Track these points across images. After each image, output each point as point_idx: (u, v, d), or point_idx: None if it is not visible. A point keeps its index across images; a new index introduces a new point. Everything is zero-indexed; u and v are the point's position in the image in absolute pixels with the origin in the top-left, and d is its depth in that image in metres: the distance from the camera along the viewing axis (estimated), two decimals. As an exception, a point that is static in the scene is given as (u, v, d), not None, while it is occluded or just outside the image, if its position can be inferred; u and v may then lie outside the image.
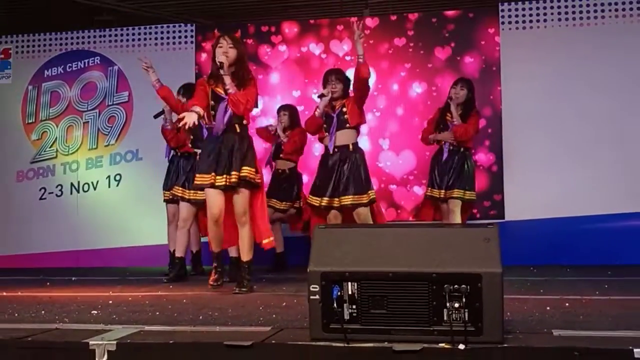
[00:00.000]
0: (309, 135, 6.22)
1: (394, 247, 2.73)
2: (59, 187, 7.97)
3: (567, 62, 7.03)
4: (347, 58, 7.45)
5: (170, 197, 6.10)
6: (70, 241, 7.80)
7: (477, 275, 2.59)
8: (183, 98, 5.88)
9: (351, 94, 5.49)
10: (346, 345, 2.62)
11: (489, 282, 2.58)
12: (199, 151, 5.84)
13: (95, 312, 3.82)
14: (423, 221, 6.11)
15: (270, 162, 6.76)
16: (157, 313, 3.74)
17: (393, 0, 7.76)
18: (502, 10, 7.26)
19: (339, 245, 2.78)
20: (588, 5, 7.11)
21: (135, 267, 7.22)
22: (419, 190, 7.27)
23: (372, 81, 7.30)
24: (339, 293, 2.67)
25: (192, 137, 5.87)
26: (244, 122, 4.85)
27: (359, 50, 5.27)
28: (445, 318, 2.61)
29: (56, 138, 8.02)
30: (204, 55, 7.71)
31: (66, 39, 8.10)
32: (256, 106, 4.98)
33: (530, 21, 7.22)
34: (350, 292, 2.68)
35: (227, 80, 4.71)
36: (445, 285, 2.60)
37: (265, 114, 7.40)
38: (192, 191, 5.83)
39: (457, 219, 5.93)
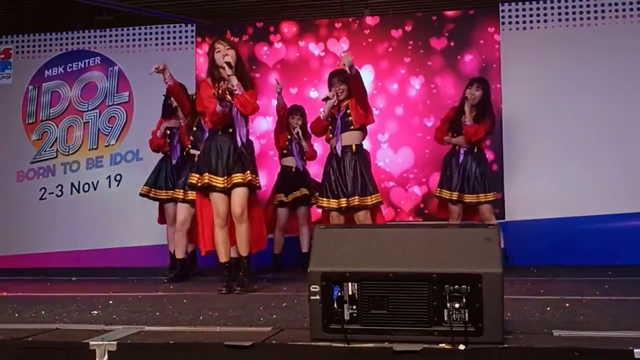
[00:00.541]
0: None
1: (395, 248, 2.73)
2: (59, 187, 7.97)
3: (568, 63, 7.03)
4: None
5: (170, 197, 6.11)
6: (70, 241, 7.80)
7: (477, 276, 2.59)
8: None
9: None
10: (346, 345, 2.62)
11: (489, 283, 2.58)
12: (198, 152, 5.88)
13: (96, 312, 3.83)
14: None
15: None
16: (158, 313, 3.74)
17: (393, 0, 7.76)
18: (503, 11, 7.26)
19: (339, 246, 2.78)
20: (588, 6, 7.11)
21: (135, 267, 7.21)
22: (417, 190, 7.28)
23: (370, 79, 7.36)
24: (339, 293, 2.68)
25: (192, 138, 5.88)
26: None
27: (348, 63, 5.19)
28: (445, 318, 2.61)
29: (56, 138, 8.01)
30: (201, 52, 7.71)
31: (66, 39, 8.10)
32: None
33: (531, 22, 7.22)
34: (350, 293, 2.69)
35: (235, 81, 4.69)
36: (446, 286, 2.60)
37: (263, 114, 7.39)
38: (191, 192, 5.84)
39: (493, 220, 5.97)
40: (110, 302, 4.32)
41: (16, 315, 3.77)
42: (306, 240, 6.49)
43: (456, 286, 2.59)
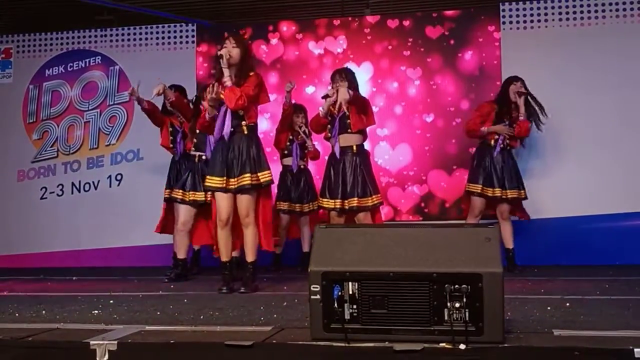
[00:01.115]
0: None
1: (395, 247, 2.73)
2: (60, 187, 7.97)
3: (568, 62, 7.03)
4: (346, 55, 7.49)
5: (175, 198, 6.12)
6: (71, 241, 7.81)
7: (477, 275, 2.59)
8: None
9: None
10: (347, 345, 2.62)
11: (490, 282, 2.58)
12: (200, 154, 5.88)
13: (96, 311, 3.83)
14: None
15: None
16: (158, 313, 3.74)
17: (394, 0, 7.75)
18: (503, 10, 7.27)
19: (339, 245, 2.78)
20: (589, 6, 7.12)
21: (136, 267, 7.22)
22: (417, 190, 7.27)
23: (368, 78, 7.37)
24: (339, 293, 2.68)
25: (195, 140, 5.88)
26: (250, 122, 4.83)
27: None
28: (445, 318, 2.61)
29: (57, 137, 8.02)
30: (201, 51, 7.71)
31: (67, 38, 8.11)
32: (260, 102, 4.93)
33: (531, 21, 7.23)
34: (351, 292, 2.69)
35: (226, 72, 4.70)
36: (446, 285, 2.60)
37: (261, 112, 7.38)
38: (190, 192, 5.84)
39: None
40: (111, 301, 4.32)
41: (17, 314, 3.77)
42: (307, 240, 6.50)
43: (456, 286, 2.59)
